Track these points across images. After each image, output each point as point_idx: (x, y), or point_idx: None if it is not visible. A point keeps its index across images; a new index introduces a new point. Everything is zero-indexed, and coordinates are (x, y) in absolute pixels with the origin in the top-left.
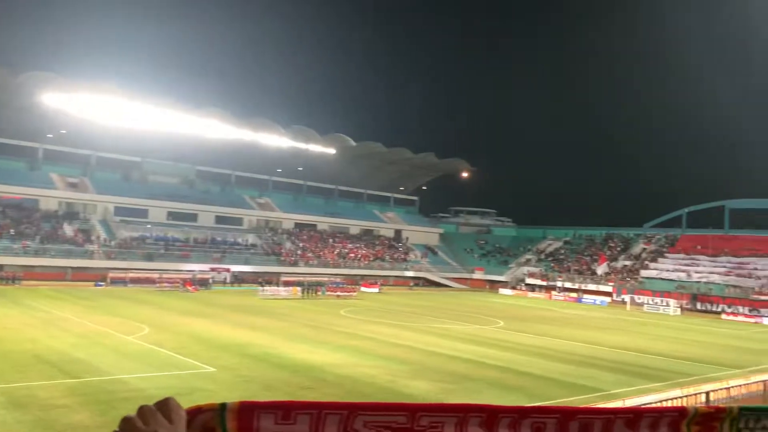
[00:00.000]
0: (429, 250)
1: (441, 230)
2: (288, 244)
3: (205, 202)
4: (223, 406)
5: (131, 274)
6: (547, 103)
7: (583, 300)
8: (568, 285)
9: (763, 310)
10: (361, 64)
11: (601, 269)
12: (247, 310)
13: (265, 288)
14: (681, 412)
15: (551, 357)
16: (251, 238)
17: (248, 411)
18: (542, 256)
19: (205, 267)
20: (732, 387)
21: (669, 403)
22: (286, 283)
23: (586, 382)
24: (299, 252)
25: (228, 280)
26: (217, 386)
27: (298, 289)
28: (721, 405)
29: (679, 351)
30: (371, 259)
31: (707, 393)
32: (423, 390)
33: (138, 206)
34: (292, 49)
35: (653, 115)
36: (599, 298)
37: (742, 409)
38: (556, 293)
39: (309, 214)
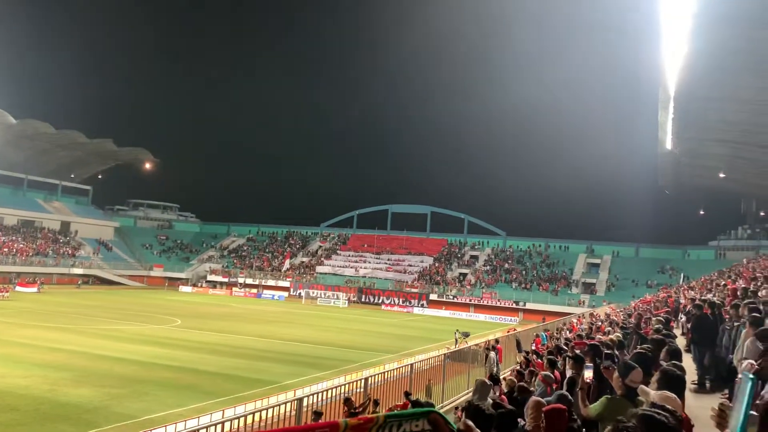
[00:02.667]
0: (102, 245)
1: (117, 224)
2: None
3: None
4: None
5: None
6: (233, 100)
7: (263, 295)
8: (249, 281)
9: (413, 301)
10: (27, 31)
11: (286, 266)
12: None
13: None
14: (332, 427)
15: (228, 353)
16: None
17: None
18: (225, 253)
19: None
20: (387, 371)
21: (334, 391)
22: None
23: (260, 375)
24: None
25: None
26: None
27: None
28: (370, 416)
29: (346, 340)
30: (31, 254)
31: (366, 379)
32: (87, 398)
33: None
34: None
35: (333, 126)
36: (278, 293)
37: (387, 417)
38: (237, 289)
39: None
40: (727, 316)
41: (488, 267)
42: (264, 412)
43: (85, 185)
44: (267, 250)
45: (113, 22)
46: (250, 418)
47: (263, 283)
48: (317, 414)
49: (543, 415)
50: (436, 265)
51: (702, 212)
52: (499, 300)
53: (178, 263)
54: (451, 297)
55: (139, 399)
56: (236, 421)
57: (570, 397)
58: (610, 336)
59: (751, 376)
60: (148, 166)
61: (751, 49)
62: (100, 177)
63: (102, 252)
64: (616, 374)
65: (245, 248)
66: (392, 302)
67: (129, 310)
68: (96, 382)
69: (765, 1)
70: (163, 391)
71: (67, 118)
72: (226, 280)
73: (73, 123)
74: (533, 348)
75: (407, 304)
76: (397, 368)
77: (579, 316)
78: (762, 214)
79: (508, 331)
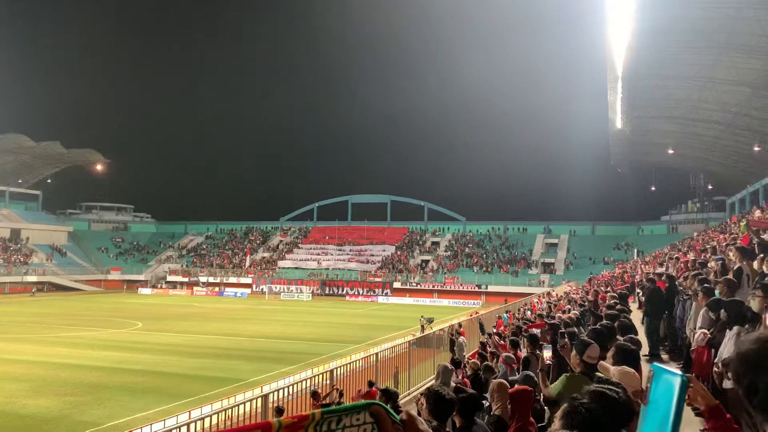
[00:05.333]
0: (55, 250)
1: (70, 228)
2: None
3: None
4: None
5: None
6: (182, 97)
7: (225, 293)
8: (210, 279)
9: (377, 290)
10: None
11: (247, 262)
12: None
13: None
14: (264, 427)
15: (191, 353)
16: None
17: None
18: (184, 252)
19: None
20: (354, 361)
21: (300, 384)
22: None
23: (225, 374)
24: None
25: None
26: None
27: None
28: (305, 413)
29: (311, 333)
30: None
31: (332, 371)
32: (46, 408)
33: None
34: None
35: (287, 119)
36: (240, 290)
37: (324, 413)
38: (199, 288)
39: None
40: (680, 288)
41: (449, 252)
42: (230, 411)
43: (34, 190)
44: (227, 248)
45: (57, 22)
46: (216, 418)
47: (225, 281)
48: (279, 411)
49: (509, 396)
50: (399, 253)
51: (653, 188)
52: (461, 284)
53: (135, 265)
54: (415, 284)
55: (101, 405)
56: (201, 422)
57: (535, 377)
58: (569, 314)
59: (679, 373)
60: (99, 167)
61: (693, 27)
62: (49, 181)
63: (56, 258)
64: (573, 352)
65: (204, 246)
66: (356, 293)
67: (87, 316)
68: (56, 391)
69: None
70: (126, 395)
71: (11, 122)
72: (186, 279)
73: (18, 126)
74: (495, 330)
75: (371, 293)
76: (363, 358)
77: (540, 296)
78: (710, 187)
79: (471, 315)
